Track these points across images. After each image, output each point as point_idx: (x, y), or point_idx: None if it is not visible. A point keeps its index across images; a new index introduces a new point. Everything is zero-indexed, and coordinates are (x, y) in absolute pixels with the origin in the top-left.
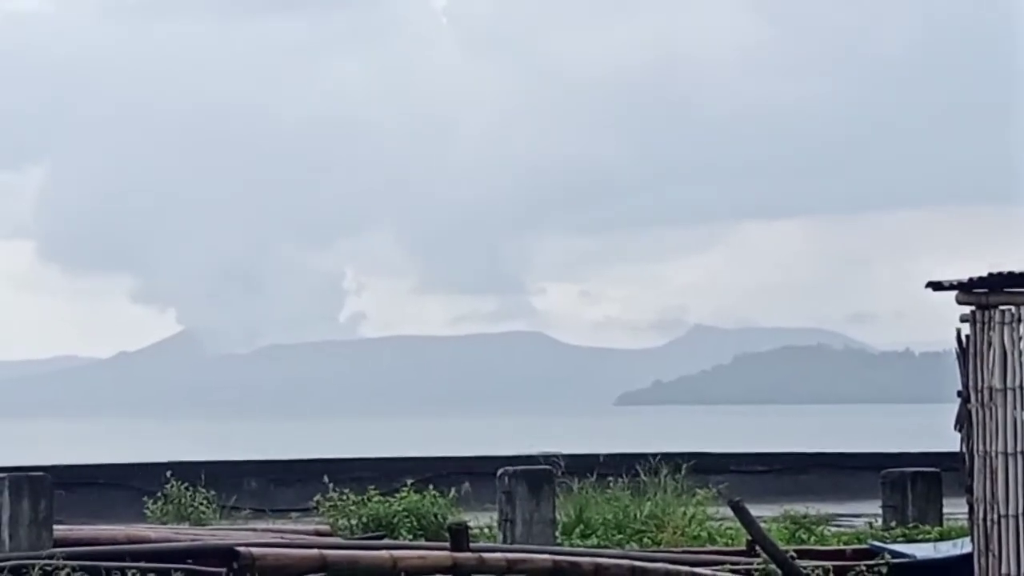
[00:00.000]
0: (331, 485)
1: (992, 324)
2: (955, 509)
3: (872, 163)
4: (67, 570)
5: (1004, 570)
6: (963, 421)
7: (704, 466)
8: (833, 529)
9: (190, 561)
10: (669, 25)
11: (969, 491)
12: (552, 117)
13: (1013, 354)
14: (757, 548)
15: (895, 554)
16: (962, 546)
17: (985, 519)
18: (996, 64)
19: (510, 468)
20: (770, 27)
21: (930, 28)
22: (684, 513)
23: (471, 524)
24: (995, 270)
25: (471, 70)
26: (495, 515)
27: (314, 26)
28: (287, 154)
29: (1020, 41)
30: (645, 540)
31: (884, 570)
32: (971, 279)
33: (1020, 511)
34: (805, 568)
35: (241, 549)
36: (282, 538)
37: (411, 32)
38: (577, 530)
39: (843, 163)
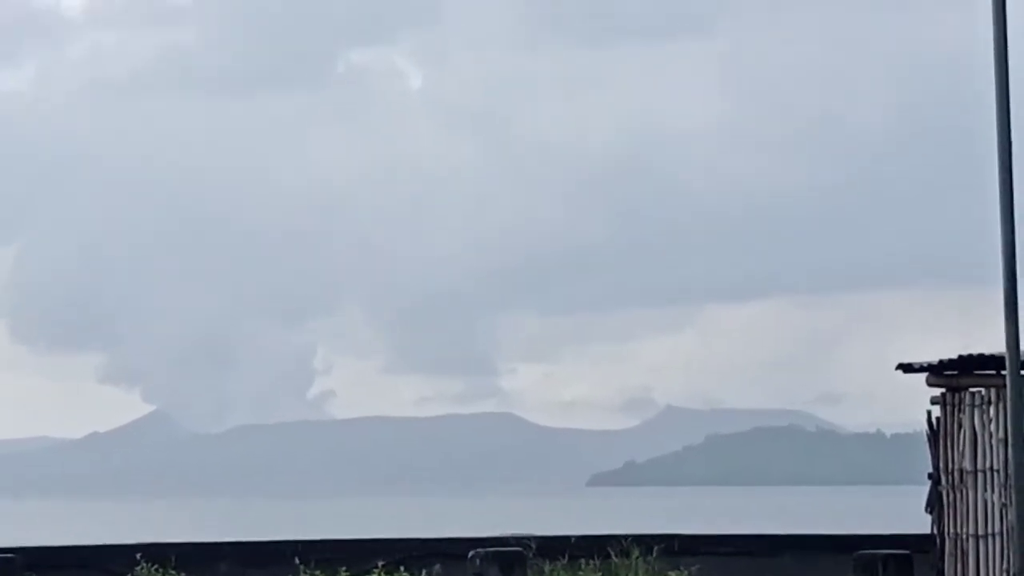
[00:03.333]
0: (302, 567)
1: (962, 406)
2: None
3: (844, 242)
4: None
5: None
6: (934, 503)
7: (676, 548)
8: None
9: None
10: (644, 103)
11: (940, 573)
12: (525, 196)
13: (983, 436)
14: None
15: None
16: None
17: None
18: (969, 143)
19: (481, 550)
20: (745, 104)
21: (904, 107)
22: None
23: None
24: (965, 352)
25: (446, 149)
26: None
27: (293, 105)
28: (260, 231)
29: (992, 121)
30: None
31: None
32: (941, 361)
33: None
34: None
35: None
36: None
37: (387, 111)
38: None
39: (815, 242)
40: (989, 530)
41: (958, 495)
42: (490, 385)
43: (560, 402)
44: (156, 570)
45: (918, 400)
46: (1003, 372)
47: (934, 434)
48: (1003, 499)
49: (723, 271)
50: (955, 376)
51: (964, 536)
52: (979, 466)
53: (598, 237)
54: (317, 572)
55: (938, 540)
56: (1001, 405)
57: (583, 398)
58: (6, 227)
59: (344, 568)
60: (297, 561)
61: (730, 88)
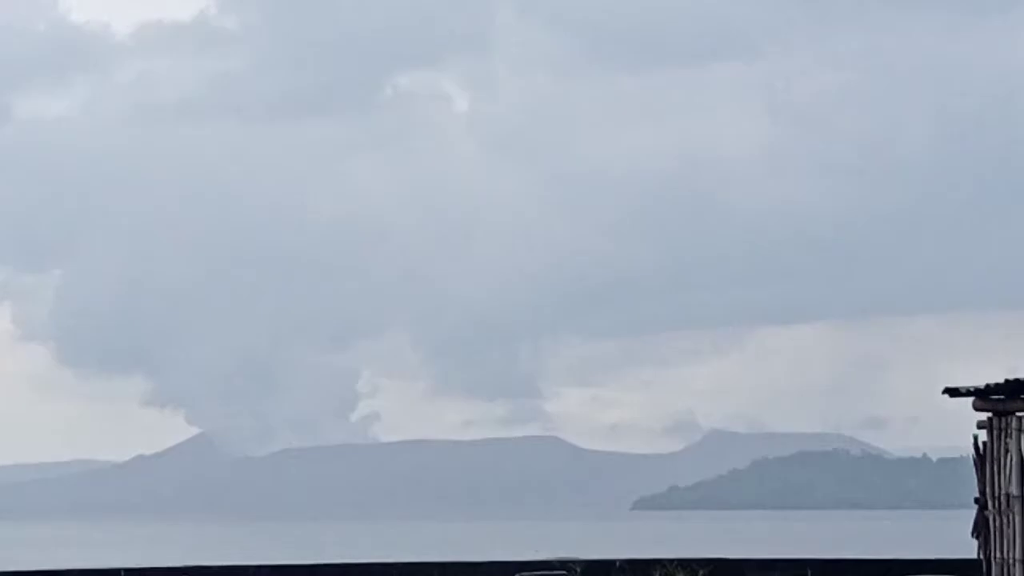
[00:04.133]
0: None
1: (1009, 431)
2: None
3: (890, 266)
4: None
5: None
6: (980, 528)
7: (721, 572)
8: None
9: None
10: (691, 127)
11: None
12: (571, 220)
13: None
14: None
15: None
16: None
17: None
18: (1015, 169)
19: (527, 573)
20: (791, 129)
21: (950, 133)
22: None
23: None
24: (1012, 377)
25: (491, 172)
26: None
27: (338, 130)
28: (306, 256)
29: None
30: None
31: None
32: (987, 386)
33: None
34: None
35: None
36: None
37: (433, 135)
38: None
39: (861, 266)
40: None
41: (1005, 520)
42: (534, 409)
43: (604, 426)
44: None
45: (964, 424)
46: None
47: (980, 458)
48: None
49: (768, 296)
50: (1002, 400)
51: (1011, 561)
52: None
53: (644, 262)
54: None
55: (984, 565)
56: None
57: (627, 422)
58: (53, 251)
59: None
60: None
61: (776, 113)
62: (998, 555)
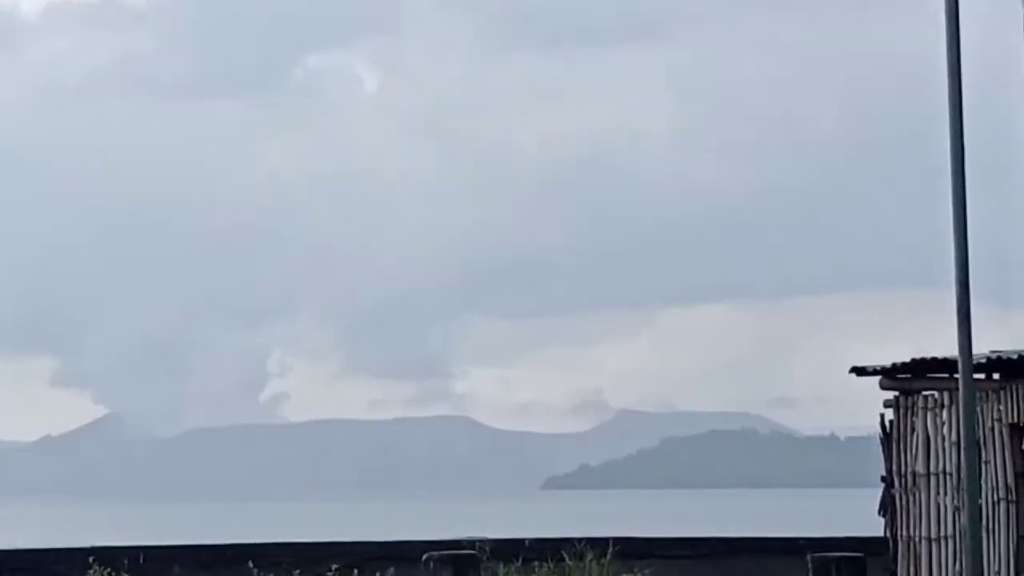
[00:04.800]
0: (256, 571)
1: (915, 409)
2: None
3: (798, 246)
4: None
5: None
6: (887, 506)
7: (630, 551)
8: None
9: None
10: (601, 108)
11: None
12: (482, 200)
13: (936, 439)
14: None
15: None
16: None
17: None
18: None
19: (435, 553)
20: (702, 110)
21: (858, 113)
22: None
23: None
24: (918, 356)
25: (402, 153)
26: None
27: (248, 109)
28: (214, 235)
29: (944, 126)
30: None
31: None
32: (894, 364)
33: None
34: None
35: None
36: None
37: (343, 116)
38: None
39: (769, 246)
40: (942, 533)
41: (911, 498)
42: (444, 389)
43: (514, 405)
44: (108, 573)
45: (872, 403)
46: (955, 375)
47: (887, 437)
48: (956, 502)
49: (678, 275)
50: (908, 379)
51: (917, 539)
52: (932, 469)
53: (554, 242)
54: (271, 575)
55: (891, 543)
56: (954, 408)
57: (537, 401)
58: None
59: (297, 572)
60: (251, 565)
61: (688, 94)
62: (904, 533)
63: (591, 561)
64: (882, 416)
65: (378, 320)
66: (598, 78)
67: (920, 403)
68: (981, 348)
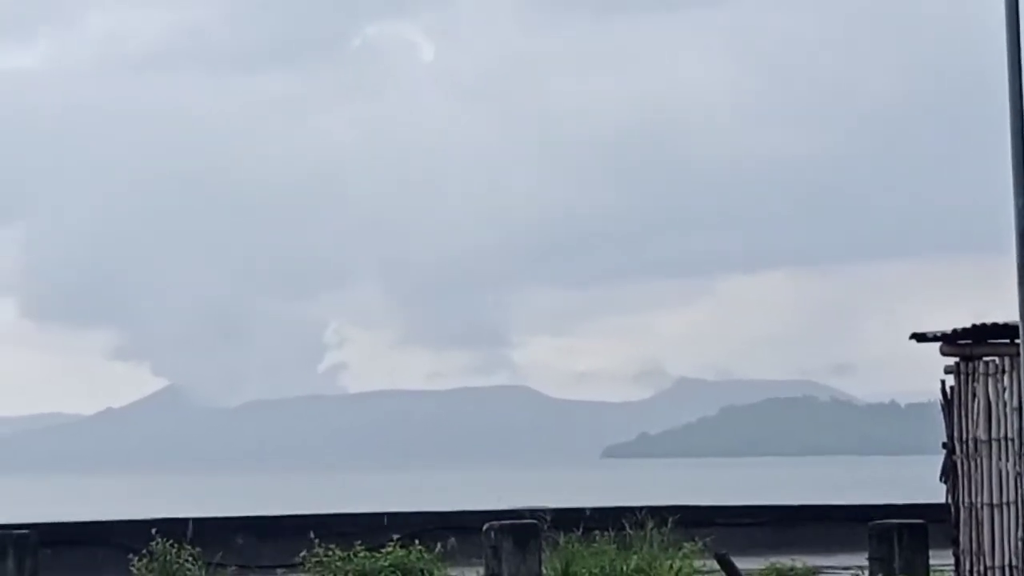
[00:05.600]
0: (317, 541)
1: (976, 375)
2: (941, 561)
3: (858, 212)
4: None
5: None
6: (948, 473)
7: (690, 519)
8: None
9: None
10: (657, 74)
11: (955, 543)
12: (540, 170)
13: (997, 405)
14: None
15: None
16: None
17: (971, 571)
18: (982, 111)
19: (496, 523)
20: (759, 78)
21: (916, 77)
22: (671, 566)
23: None
24: (979, 321)
25: (458, 122)
26: (481, 570)
27: (305, 81)
28: (273, 206)
29: (1004, 89)
30: None
31: None
32: (955, 331)
33: (1006, 562)
34: None
35: None
36: None
37: (399, 86)
38: None
39: (828, 213)
40: (1003, 499)
41: (972, 464)
42: (503, 358)
43: (573, 374)
44: (171, 545)
45: (932, 370)
46: (1017, 341)
47: (948, 403)
48: (1017, 468)
49: (737, 243)
50: (969, 345)
51: (979, 505)
52: (993, 435)
53: (612, 210)
54: (332, 546)
55: (953, 509)
56: (1015, 374)
57: (596, 370)
58: (17, 204)
59: (359, 542)
60: (312, 535)
61: (740, 59)
62: (966, 499)
63: (652, 530)
64: (943, 382)
65: (436, 289)
66: (654, 43)
67: (981, 369)
68: None
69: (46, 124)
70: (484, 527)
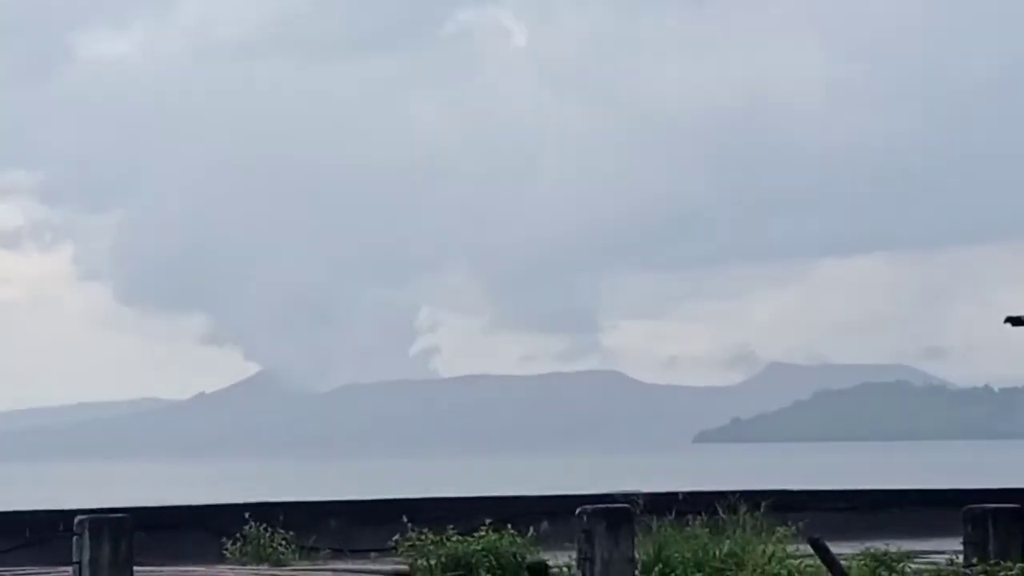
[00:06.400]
0: (410, 525)
1: None
2: None
3: (952, 196)
4: None
5: None
6: None
7: (783, 504)
8: (914, 566)
9: None
10: (754, 62)
11: None
12: (631, 155)
13: None
14: None
15: None
16: None
17: None
18: None
19: (589, 507)
20: (853, 62)
21: (1014, 60)
22: (764, 551)
23: (550, 563)
24: None
25: (551, 107)
26: (574, 554)
27: (397, 68)
28: (365, 192)
29: None
30: None
31: None
32: None
33: None
34: None
35: None
36: None
37: (492, 71)
38: (656, 569)
39: (922, 197)
40: None
41: None
42: (593, 343)
43: (664, 359)
44: (264, 529)
45: None
46: None
47: None
48: None
49: (828, 227)
50: None
51: None
52: None
53: (703, 193)
54: (426, 530)
55: None
56: None
57: (687, 355)
58: (115, 191)
59: (452, 526)
60: (405, 520)
61: (838, 44)
62: None
63: (745, 514)
64: None
65: (527, 274)
66: (748, 29)
67: None
68: None
69: (141, 111)
70: (577, 511)
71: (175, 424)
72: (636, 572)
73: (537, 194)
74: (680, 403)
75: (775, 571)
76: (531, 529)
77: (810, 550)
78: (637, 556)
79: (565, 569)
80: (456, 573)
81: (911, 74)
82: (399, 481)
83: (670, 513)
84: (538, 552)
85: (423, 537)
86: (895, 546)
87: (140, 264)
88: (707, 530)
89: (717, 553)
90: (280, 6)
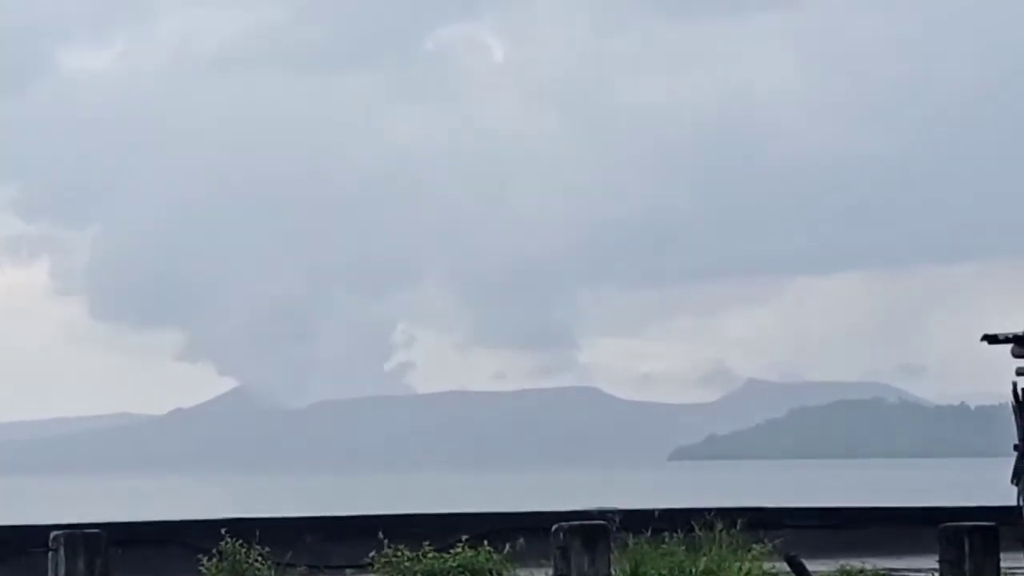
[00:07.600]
0: (386, 541)
1: None
2: (1013, 564)
3: (927, 213)
4: None
5: None
6: (1020, 475)
7: (759, 521)
8: None
9: None
10: (729, 75)
11: None
12: (608, 169)
13: None
14: None
15: None
16: None
17: None
18: None
19: (565, 523)
20: (829, 75)
21: (986, 76)
22: (740, 568)
23: None
24: None
25: (529, 121)
26: (550, 571)
27: (378, 80)
28: (342, 207)
29: None
30: None
31: None
32: None
33: None
34: None
35: None
36: None
37: (471, 86)
38: None
39: (898, 213)
40: None
41: None
42: (569, 359)
43: (640, 375)
44: (240, 545)
45: (1003, 371)
46: None
47: (1020, 405)
48: None
49: (805, 244)
50: None
51: None
52: None
53: (680, 211)
54: (401, 547)
55: None
56: None
57: (664, 372)
58: (92, 206)
59: (428, 543)
60: (381, 535)
61: (815, 58)
62: None
63: (721, 531)
64: (1014, 384)
65: (504, 290)
66: (727, 45)
67: None
68: None
69: (119, 126)
70: (553, 528)
71: (151, 440)
72: None
73: (515, 210)
74: (656, 420)
75: None
76: (507, 546)
77: (786, 567)
78: (613, 573)
79: None
80: None
81: (889, 88)
82: (375, 497)
83: (646, 530)
84: (514, 569)
85: (399, 553)
86: (871, 564)
87: (116, 279)
88: (683, 547)
89: (693, 570)
90: (259, 22)
